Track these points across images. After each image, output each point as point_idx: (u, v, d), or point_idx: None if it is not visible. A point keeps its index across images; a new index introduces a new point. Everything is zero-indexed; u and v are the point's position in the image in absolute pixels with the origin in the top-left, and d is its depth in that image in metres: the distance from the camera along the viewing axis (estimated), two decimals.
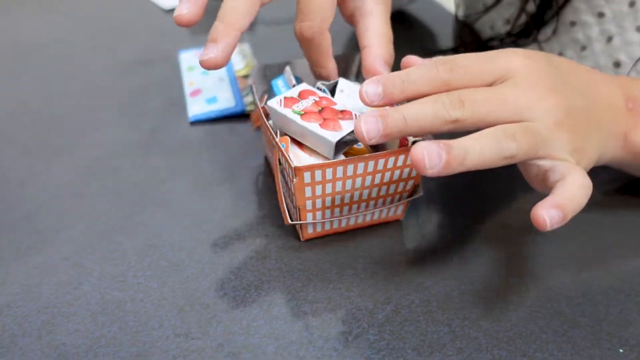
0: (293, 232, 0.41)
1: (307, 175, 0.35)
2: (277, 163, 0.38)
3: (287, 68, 0.44)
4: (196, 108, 0.55)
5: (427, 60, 0.37)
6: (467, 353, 0.33)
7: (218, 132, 0.53)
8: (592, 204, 0.43)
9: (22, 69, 0.64)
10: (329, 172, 0.35)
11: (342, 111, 0.38)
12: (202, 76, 0.59)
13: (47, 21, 0.76)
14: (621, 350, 0.33)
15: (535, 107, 0.33)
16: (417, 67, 0.35)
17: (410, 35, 0.70)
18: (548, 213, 0.31)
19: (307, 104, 0.38)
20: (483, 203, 0.44)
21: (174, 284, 0.37)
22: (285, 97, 0.38)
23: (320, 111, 0.37)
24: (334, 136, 0.36)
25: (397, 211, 0.42)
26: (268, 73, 0.47)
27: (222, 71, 0.60)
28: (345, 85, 0.40)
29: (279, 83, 0.43)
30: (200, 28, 0.72)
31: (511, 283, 0.38)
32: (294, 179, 0.35)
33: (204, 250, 0.40)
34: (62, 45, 0.69)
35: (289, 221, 0.38)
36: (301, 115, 0.37)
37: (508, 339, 0.34)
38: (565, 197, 0.31)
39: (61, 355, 0.33)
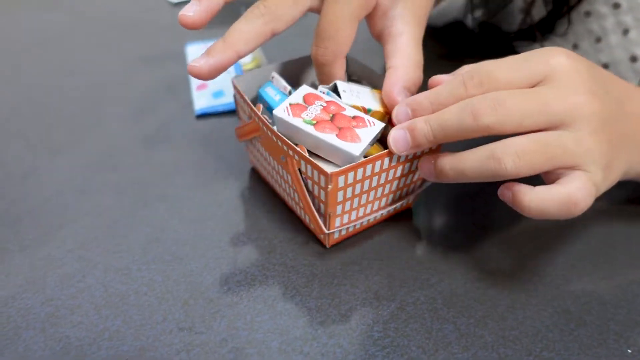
0: (298, 227, 0.41)
1: (341, 180, 0.34)
2: (299, 173, 0.36)
3: (274, 74, 0.42)
4: (202, 102, 0.54)
5: (454, 75, 0.35)
6: (473, 351, 0.33)
7: (224, 126, 0.52)
8: (603, 206, 0.43)
9: (27, 64, 0.64)
10: (360, 173, 0.34)
11: (354, 117, 0.36)
12: None
13: (52, 16, 0.76)
14: (629, 351, 0.33)
15: (575, 114, 0.31)
16: (445, 85, 0.34)
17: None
18: (505, 191, 0.33)
19: (315, 110, 0.36)
20: (492, 200, 0.44)
21: (178, 277, 0.37)
22: (290, 104, 0.36)
23: (332, 119, 0.36)
24: (356, 148, 0.34)
25: (408, 200, 0.41)
26: (291, 68, 0.46)
27: None
28: (345, 86, 0.39)
29: (268, 91, 0.41)
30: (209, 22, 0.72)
31: (518, 281, 0.37)
32: (329, 186, 0.33)
33: (208, 244, 0.40)
34: (67, 39, 0.69)
35: (326, 230, 0.37)
36: (314, 125, 0.35)
37: (514, 338, 0.34)
38: (542, 194, 0.31)
39: (64, 348, 0.33)
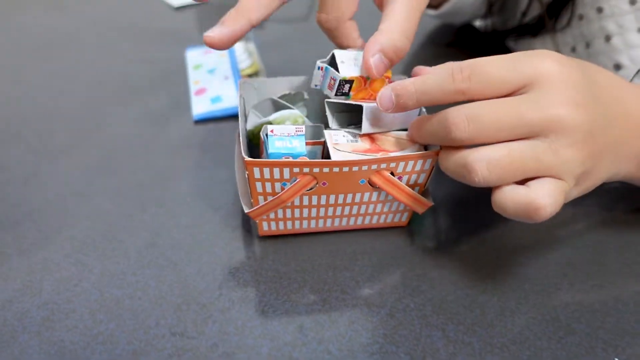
0: (292, 235, 0.41)
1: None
2: (392, 176, 0.37)
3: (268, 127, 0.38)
4: (200, 107, 0.55)
5: (443, 67, 0.35)
6: (460, 358, 0.33)
7: (222, 132, 0.53)
8: (594, 215, 0.43)
9: (29, 68, 0.65)
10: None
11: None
12: (208, 75, 0.60)
13: (54, 18, 0.76)
14: (616, 359, 0.33)
15: (553, 126, 0.31)
16: (433, 74, 0.34)
17: (427, 36, 0.70)
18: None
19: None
20: (483, 208, 0.44)
21: (172, 282, 0.38)
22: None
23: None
24: None
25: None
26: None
27: (228, 70, 0.60)
28: (343, 56, 0.39)
29: (280, 145, 0.37)
30: (209, 26, 0.72)
31: (508, 288, 0.38)
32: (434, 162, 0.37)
33: (202, 250, 0.40)
34: (69, 42, 0.70)
35: (431, 202, 0.39)
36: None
37: (502, 345, 0.34)
38: (507, 192, 0.31)
39: (59, 352, 0.34)
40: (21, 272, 0.39)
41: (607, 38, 0.47)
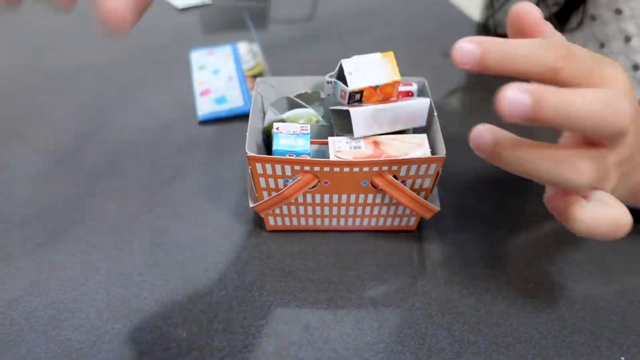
0: (296, 234, 0.42)
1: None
2: (395, 180, 0.37)
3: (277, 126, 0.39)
4: (205, 108, 0.55)
5: (545, 28, 0.30)
6: (466, 357, 0.33)
7: (226, 132, 0.53)
8: None
9: (33, 69, 0.65)
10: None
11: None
12: (212, 75, 0.60)
13: (55, 18, 0.77)
14: (622, 358, 0.33)
15: (622, 135, 0.28)
16: (529, 42, 0.28)
17: (430, 36, 0.70)
18: (556, 200, 0.29)
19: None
20: (491, 212, 0.44)
21: (178, 282, 0.38)
22: (351, 105, 0.38)
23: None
24: (426, 100, 0.39)
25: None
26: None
27: (232, 70, 0.60)
28: (350, 66, 0.39)
29: (284, 143, 0.38)
30: (213, 28, 0.72)
31: (513, 287, 0.38)
32: (440, 168, 0.37)
33: (208, 249, 0.41)
34: (73, 44, 0.70)
35: (438, 208, 0.39)
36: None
37: (507, 344, 0.34)
38: (597, 212, 0.29)
39: (66, 351, 0.34)
40: (28, 271, 0.39)
41: (627, 39, 0.47)
